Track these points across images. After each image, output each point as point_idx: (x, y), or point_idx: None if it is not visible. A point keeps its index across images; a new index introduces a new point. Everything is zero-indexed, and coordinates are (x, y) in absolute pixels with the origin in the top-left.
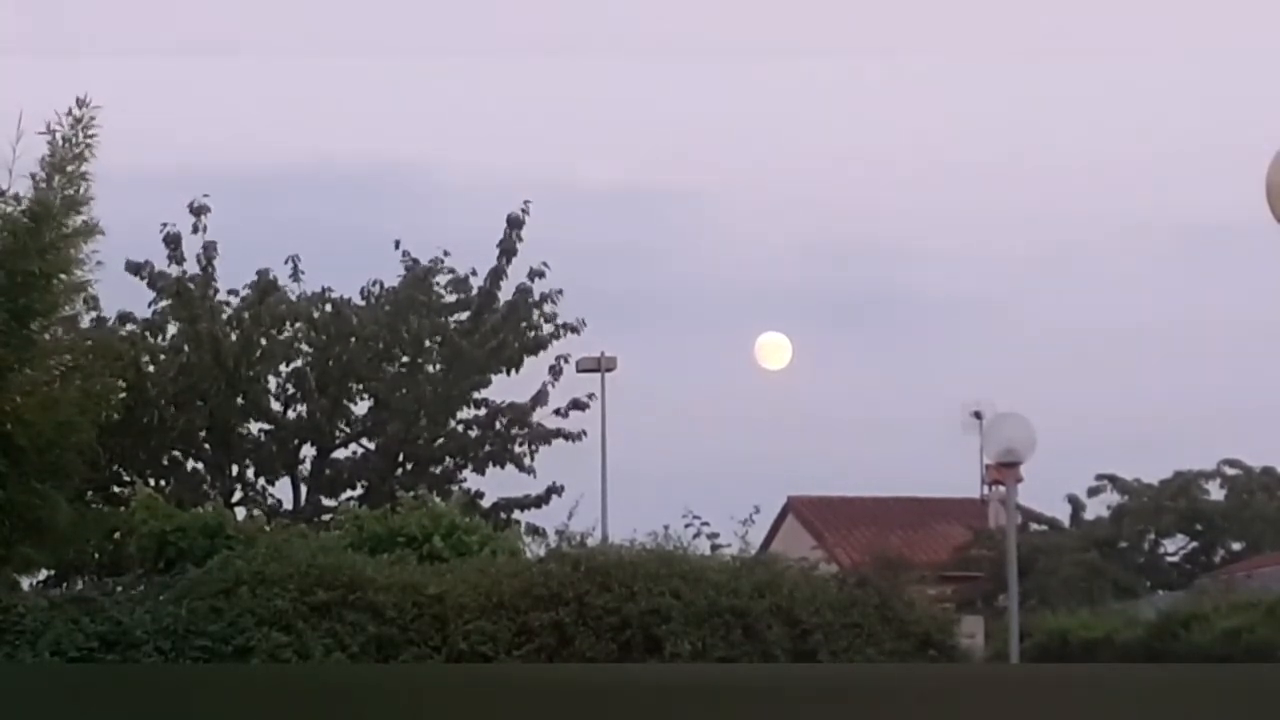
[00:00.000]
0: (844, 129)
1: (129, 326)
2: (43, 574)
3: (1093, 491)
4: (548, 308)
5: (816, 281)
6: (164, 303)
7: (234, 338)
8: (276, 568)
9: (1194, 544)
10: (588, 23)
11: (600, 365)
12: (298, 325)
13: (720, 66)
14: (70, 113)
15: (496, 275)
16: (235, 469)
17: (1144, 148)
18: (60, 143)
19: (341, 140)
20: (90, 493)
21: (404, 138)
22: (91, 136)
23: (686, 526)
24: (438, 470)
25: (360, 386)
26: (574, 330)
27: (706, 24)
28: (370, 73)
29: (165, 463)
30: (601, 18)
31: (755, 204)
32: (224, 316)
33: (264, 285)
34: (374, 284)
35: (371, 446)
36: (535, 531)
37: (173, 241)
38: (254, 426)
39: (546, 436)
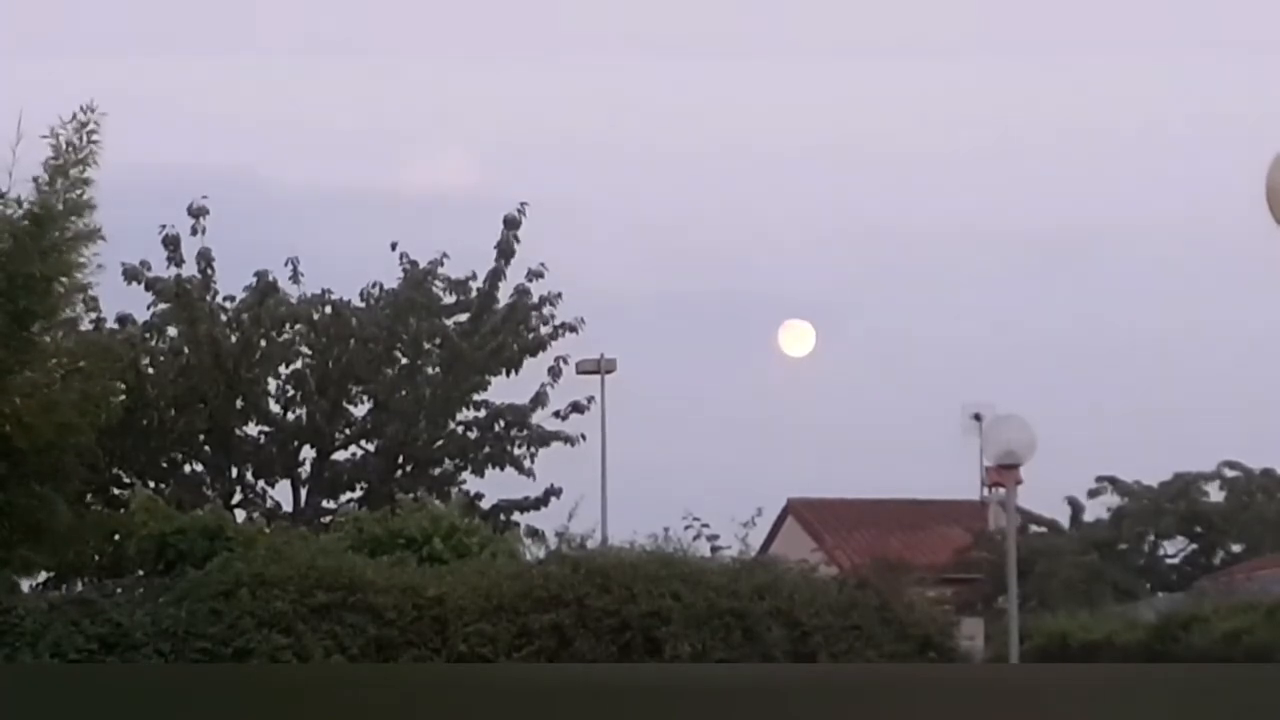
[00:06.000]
0: (692, 131)
1: (128, 329)
2: (42, 576)
3: (1092, 493)
4: (546, 310)
5: (671, 288)
6: (162, 305)
7: (233, 340)
8: (276, 570)
9: (1194, 546)
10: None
11: (600, 367)
12: (297, 327)
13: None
14: (75, 117)
15: (495, 277)
16: (235, 471)
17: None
18: (64, 146)
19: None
20: (90, 495)
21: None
22: (95, 141)
23: (686, 528)
24: (437, 472)
25: (360, 388)
26: (572, 330)
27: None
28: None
29: (165, 465)
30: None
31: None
32: (223, 319)
33: (263, 287)
34: (373, 285)
35: (371, 448)
36: (535, 534)
37: (171, 243)
38: (254, 429)
39: (546, 439)
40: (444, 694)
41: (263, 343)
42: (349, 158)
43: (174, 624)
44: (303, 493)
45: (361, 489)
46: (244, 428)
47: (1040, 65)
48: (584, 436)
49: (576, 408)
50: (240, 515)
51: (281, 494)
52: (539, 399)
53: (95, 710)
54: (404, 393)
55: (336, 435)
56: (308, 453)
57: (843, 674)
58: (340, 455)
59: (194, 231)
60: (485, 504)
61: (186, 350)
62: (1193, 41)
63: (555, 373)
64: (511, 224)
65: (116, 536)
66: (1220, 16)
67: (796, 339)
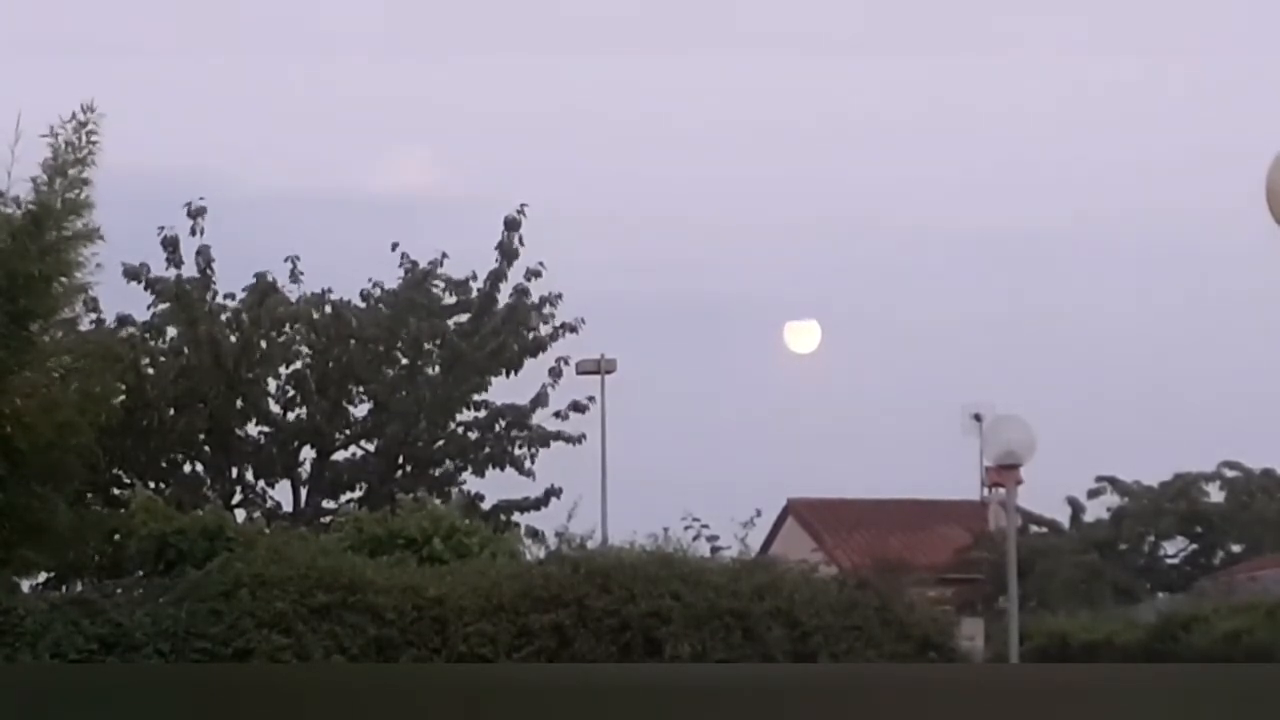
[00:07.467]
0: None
1: (128, 329)
2: (42, 576)
3: (1092, 494)
4: (546, 310)
5: (642, 292)
6: (162, 306)
7: (233, 340)
8: (276, 570)
9: (1194, 546)
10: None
11: (600, 368)
12: (297, 327)
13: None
14: (74, 116)
15: (496, 278)
16: (235, 471)
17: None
18: (63, 146)
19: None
20: (90, 495)
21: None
22: (94, 141)
23: (686, 529)
24: (437, 473)
25: (360, 389)
26: (572, 330)
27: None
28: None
29: (165, 465)
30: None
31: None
32: (223, 319)
33: (263, 287)
34: (374, 286)
35: (371, 449)
36: (535, 534)
37: (171, 244)
38: (254, 429)
39: (546, 439)
40: (444, 694)
41: (263, 343)
42: (348, 159)
43: (174, 624)
44: (303, 493)
45: (361, 489)
46: (244, 428)
47: (1043, 62)
48: (584, 437)
49: (576, 407)
50: (240, 515)
51: (281, 494)
52: (539, 399)
53: (95, 710)
54: (404, 393)
55: (336, 435)
56: (308, 453)
57: (843, 674)
58: (340, 455)
59: (193, 232)
60: (485, 504)
61: (186, 350)
62: (1191, 39)
63: (555, 373)
64: (512, 225)
65: (116, 536)
66: (1218, 13)
67: (802, 335)
